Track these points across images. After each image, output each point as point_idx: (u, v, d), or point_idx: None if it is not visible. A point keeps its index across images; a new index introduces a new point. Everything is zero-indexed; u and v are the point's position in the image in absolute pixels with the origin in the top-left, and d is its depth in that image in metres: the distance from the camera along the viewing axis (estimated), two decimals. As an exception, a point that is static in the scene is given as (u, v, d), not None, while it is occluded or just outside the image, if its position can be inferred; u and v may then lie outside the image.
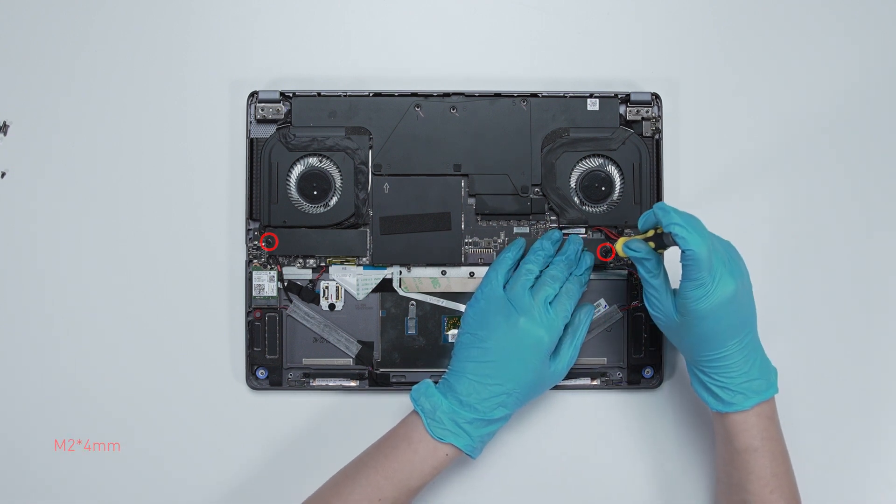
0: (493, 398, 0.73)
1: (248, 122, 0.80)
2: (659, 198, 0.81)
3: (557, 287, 0.76)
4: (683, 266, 0.69)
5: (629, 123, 0.81)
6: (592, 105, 0.81)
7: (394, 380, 0.81)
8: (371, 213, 0.81)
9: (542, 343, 0.73)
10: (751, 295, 0.73)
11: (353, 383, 0.81)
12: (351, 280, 0.81)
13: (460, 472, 0.81)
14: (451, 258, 0.81)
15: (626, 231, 0.81)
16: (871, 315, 0.83)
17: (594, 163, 0.81)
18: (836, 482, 0.82)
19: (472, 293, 0.81)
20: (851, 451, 0.82)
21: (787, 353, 0.82)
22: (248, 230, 0.80)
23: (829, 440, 0.82)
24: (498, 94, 0.81)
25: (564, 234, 0.80)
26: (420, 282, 0.81)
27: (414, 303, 0.81)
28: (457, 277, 0.81)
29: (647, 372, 0.81)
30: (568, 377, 0.81)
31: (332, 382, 0.81)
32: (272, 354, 0.81)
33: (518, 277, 0.76)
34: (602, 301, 0.82)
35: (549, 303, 0.75)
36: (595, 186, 0.81)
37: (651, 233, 0.72)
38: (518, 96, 0.81)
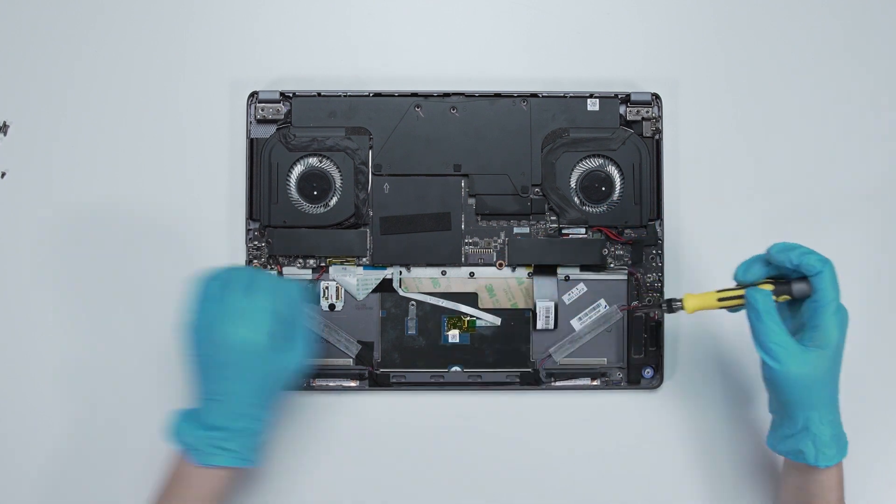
0: (228, 410, 0.69)
1: (248, 122, 0.80)
2: (659, 198, 0.81)
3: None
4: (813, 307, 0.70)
5: (629, 123, 0.81)
6: (592, 105, 0.81)
7: (394, 380, 0.81)
8: (371, 213, 0.81)
9: (254, 345, 0.68)
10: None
11: (353, 383, 0.81)
12: (351, 280, 0.81)
13: (460, 472, 0.82)
14: (451, 258, 0.81)
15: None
16: (872, 315, 0.83)
17: (594, 163, 0.81)
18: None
19: (472, 293, 0.81)
20: (851, 452, 0.82)
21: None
22: (248, 230, 0.80)
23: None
24: (498, 94, 0.81)
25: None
26: (420, 282, 0.81)
27: (414, 303, 0.81)
28: (457, 278, 0.81)
29: (647, 372, 0.81)
30: (568, 377, 0.81)
31: (332, 382, 0.81)
32: (272, 354, 0.81)
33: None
34: (602, 301, 0.82)
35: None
36: (595, 186, 0.81)
37: (767, 284, 0.71)
38: (518, 96, 0.81)
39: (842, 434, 0.71)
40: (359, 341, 0.81)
